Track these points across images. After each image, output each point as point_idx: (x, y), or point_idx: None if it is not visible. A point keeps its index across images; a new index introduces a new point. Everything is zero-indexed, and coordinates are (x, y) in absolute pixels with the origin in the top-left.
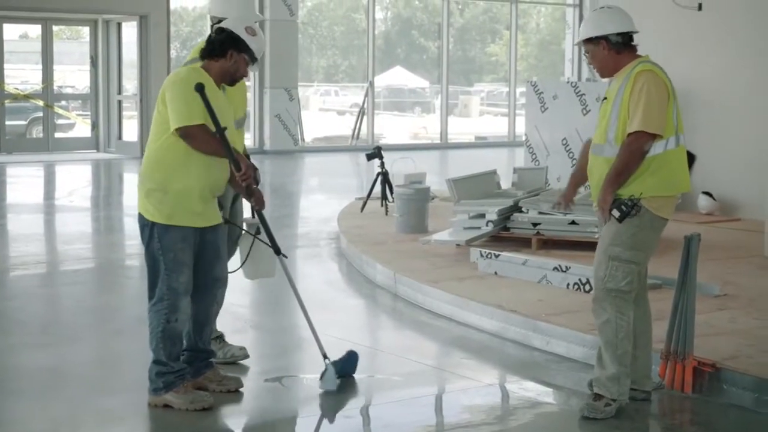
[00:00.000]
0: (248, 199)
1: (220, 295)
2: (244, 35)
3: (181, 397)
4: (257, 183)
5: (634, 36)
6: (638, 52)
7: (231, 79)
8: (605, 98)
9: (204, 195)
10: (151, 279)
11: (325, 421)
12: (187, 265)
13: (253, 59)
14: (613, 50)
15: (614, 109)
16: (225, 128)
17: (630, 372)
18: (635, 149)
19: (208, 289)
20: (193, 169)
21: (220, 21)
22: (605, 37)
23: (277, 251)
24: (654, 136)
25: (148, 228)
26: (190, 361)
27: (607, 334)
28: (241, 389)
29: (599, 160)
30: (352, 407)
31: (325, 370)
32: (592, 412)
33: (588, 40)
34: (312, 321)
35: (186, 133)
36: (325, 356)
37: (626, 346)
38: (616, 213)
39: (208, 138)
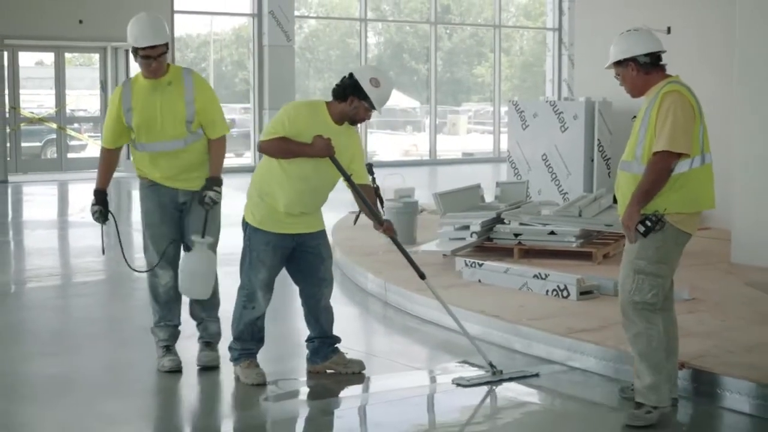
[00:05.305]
0: (378, 228)
1: (327, 292)
2: (366, 85)
3: (245, 371)
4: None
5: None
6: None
7: (351, 121)
8: (634, 117)
9: (291, 211)
10: (241, 266)
11: (319, 421)
12: (266, 265)
13: (373, 107)
14: (642, 71)
15: (642, 127)
16: (351, 174)
17: (666, 378)
18: (661, 168)
19: (314, 287)
20: (284, 189)
21: None
22: (633, 59)
23: (421, 276)
24: (679, 155)
25: (244, 226)
26: (318, 347)
27: (639, 345)
28: (363, 371)
29: (626, 176)
30: (345, 407)
31: None
32: (634, 420)
33: (617, 63)
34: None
35: (260, 147)
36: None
37: (660, 354)
38: (641, 228)
39: (275, 145)
